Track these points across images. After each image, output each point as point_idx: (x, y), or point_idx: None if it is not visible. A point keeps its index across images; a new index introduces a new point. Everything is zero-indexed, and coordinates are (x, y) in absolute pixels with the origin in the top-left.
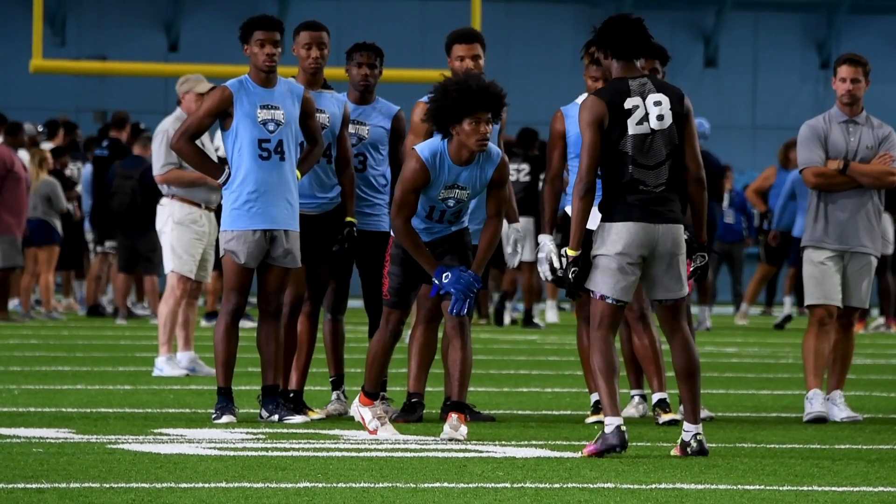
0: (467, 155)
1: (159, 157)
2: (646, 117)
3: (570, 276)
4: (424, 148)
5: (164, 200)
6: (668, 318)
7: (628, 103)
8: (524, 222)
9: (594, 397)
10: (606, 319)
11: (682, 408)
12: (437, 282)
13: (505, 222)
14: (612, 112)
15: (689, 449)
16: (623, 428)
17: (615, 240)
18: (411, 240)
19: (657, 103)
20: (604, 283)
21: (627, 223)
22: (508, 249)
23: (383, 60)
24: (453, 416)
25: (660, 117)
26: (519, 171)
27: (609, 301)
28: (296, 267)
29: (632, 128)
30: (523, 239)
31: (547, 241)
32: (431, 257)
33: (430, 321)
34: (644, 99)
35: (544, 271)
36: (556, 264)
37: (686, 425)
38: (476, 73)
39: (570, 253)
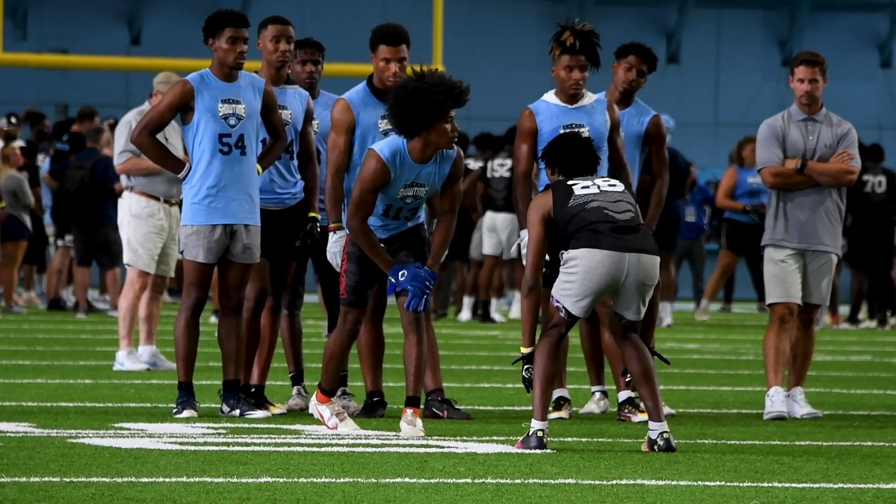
0: (431, 153)
1: (118, 146)
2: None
3: (523, 373)
4: (384, 147)
5: (124, 194)
6: (619, 329)
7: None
8: (509, 218)
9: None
10: (560, 328)
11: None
12: (393, 280)
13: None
14: (557, 194)
15: (656, 447)
16: (540, 434)
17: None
18: (367, 239)
19: (609, 183)
20: (566, 296)
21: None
22: None
23: (325, 55)
24: (408, 412)
25: (612, 185)
26: (502, 167)
27: (563, 315)
28: (255, 262)
29: (577, 190)
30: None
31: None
32: (388, 256)
33: (373, 320)
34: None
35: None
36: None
37: (651, 424)
38: (437, 70)
39: (523, 350)
